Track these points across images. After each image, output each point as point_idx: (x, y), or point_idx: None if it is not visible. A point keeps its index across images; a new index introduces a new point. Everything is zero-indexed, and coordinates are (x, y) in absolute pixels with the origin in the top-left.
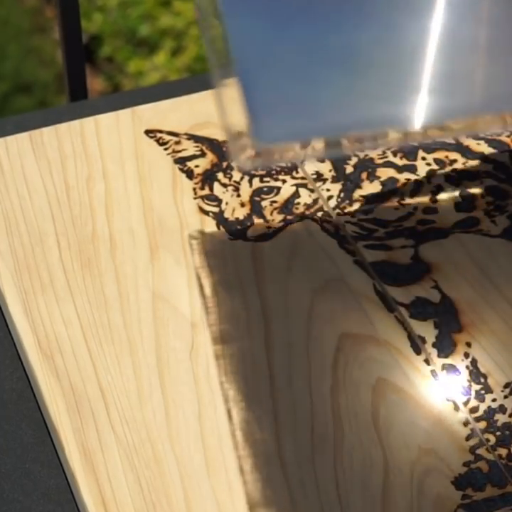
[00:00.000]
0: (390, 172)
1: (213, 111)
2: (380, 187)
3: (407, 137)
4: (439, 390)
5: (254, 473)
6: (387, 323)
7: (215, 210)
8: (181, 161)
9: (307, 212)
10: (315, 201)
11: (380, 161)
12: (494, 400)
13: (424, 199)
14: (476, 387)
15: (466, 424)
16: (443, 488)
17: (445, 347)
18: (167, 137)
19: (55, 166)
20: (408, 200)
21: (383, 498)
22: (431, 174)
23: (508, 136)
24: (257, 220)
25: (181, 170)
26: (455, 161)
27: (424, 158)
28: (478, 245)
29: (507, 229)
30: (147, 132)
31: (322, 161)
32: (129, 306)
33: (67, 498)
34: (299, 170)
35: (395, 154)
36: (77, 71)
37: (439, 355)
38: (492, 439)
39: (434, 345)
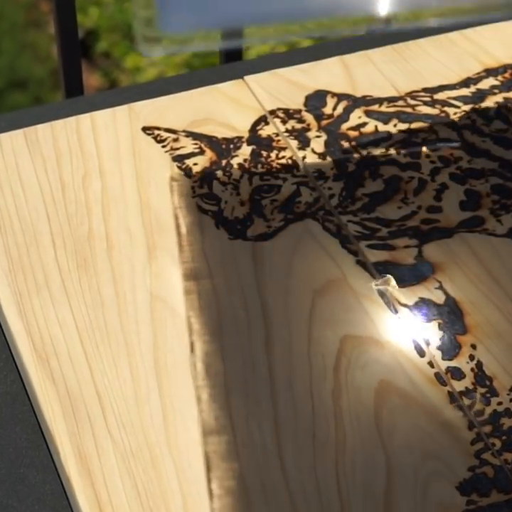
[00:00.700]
0: (393, 170)
1: (212, 108)
2: (383, 185)
3: (305, 30)
4: (443, 393)
5: (253, 478)
6: (390, 324)
7: (214, 209)
8: (179, 159)
9: (308, 211)
10: (316, 200)
11: (383, 159)
12: (500, 404)
13: (428, 198)
14: (481, 390)
15: (471, 427)
16: (447, 493)
17: (449, 349)
18: (165, 134)
19: (51, 163)
20: (412, 199)
21: (386, 503)
22: (435, 172)
23: None
24: (257, 220)
25: (179, 168)
26: (460, 158)
27: (428, 156)
28: (483, 245)
29: None
30: (144, 129)
31: (324, 158)
32: (126, 307)
33: (63, 504)
34: (300, 168)
35: (398, 152)
36: (73, 67)
37: (443, 358)
38: (498, 443)
39: (438, 347)
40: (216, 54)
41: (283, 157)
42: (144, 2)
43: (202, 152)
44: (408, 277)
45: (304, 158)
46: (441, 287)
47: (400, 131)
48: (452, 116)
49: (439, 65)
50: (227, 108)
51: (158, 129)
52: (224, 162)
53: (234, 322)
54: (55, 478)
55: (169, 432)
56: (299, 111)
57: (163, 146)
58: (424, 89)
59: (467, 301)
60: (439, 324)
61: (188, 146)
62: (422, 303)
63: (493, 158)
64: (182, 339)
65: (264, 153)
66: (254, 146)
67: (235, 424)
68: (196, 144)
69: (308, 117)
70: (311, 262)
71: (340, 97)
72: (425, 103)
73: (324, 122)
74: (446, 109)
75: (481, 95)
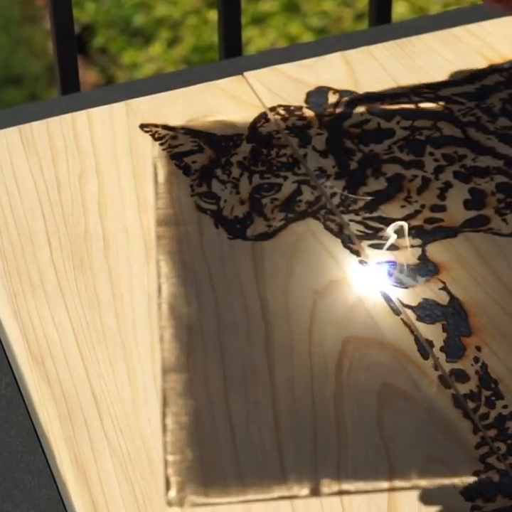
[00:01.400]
0: (396, 168)
1: (212, 104)
2: (386, 184)
3: None
4: (447, 396)
5: (253, 479)
6: (393, 326)
7: (213, 208)
8: (178, 157)
9: (309, 211)
10: (318, 199)
11: (386, 157)
12: (505, 407)
13: (431, 196)
14: (486, 393)
15: (475, 431)
16: (452, 498)
17: (454, 351)
18: (163, 132)
19: (46, 161)
20: (415, 198)
21: (389, 508)
22: (439, 170)
23: None
24: (257, 219)
25: (178, 166)
26: (464, 156)
27: (431, 154)
28: (488, 245)
29: None
30: (142, 126)
31: (325, 156)
32: (123, 308)
33: (59, 510)
34: (301, 166)
35: (401, 150)
36: (69, 62)
37: (447, 360)
38: (503, 447)
39: (442, 349)
40: (215, 49)
41: (283, 155)
42: None
43: (201, 150)
44: (411, 278)
45: (305, 156)
46: (445, 288)
47: (403, 128)
48: (456, 113)
49: (443, 61)
50: (227, 105)
51: (156, 126)
52: (223, 160)
53: (233, 323)
54: (51, 483)
55: (167, 436)
56: (300, 107)
57: (161, 144)
58: (428, 86)
59: (472, 302)
60: (443, 326)
61: (186, 143)
62: (426, 303)
63: (499, 156)
64: (181, 341)
65: (265, 151)
66: (254, 144)
67: (234, 428)
68: (195, 141)
69: (310, 114)
70: (312, 262)
71: (342, 93)
72: (429, 100)
73: (326, 119)
74: (450, 105)
75: (486, 92)
